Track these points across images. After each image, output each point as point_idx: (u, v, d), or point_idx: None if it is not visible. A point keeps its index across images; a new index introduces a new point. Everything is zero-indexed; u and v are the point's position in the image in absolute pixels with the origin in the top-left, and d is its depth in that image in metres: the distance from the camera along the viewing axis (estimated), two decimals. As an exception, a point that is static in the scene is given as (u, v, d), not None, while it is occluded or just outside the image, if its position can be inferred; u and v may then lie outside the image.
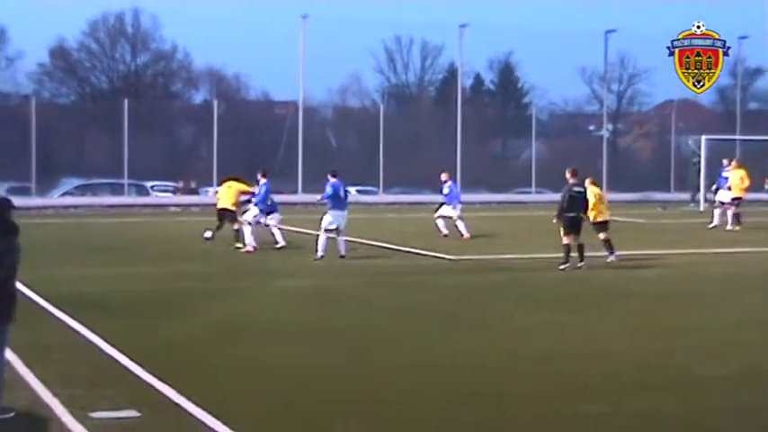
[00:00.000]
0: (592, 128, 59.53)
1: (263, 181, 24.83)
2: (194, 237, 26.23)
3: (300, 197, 41.11)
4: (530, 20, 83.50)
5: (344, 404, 10.08)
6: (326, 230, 22.42)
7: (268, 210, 24.86)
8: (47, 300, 15.81)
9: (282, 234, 24.80)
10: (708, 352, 12.74)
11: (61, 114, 55.72)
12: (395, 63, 67.20)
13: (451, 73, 60.58)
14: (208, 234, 25.77)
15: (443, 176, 28.11)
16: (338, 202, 22.67)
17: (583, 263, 20.59)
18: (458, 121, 47.83)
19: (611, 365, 11.87)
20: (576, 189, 20.92)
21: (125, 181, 43.38)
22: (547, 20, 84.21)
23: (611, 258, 21.41)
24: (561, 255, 20.64)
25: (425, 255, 23.25)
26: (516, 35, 58.14)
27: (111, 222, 33.44)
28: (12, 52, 58.57)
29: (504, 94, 68.41)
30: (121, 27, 61.40)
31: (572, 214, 20.71)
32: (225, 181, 26.47)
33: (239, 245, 24.35)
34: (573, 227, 20.70)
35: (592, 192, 21.49)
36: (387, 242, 25.44)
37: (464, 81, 55.81)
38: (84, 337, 13.21)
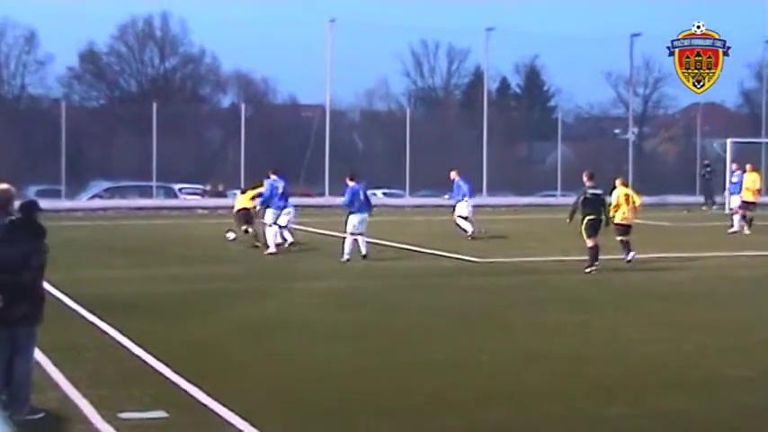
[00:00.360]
0: (617, 131, 59.20)
1: (273, 178, 24.55)
2: (221, 239, 26.39)
3: (327, 200, 41.20)
4: (555, 24, 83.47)
5: (371, 404, 10.14)
6: (352, 234, 22.53)
7: (282, 207, 24.48)
8: (76, 301, 15.93)
9: (291, 233, 24.97)
10: (734, 353, 12.72)
11: (90, 118, 56.01)
12: (421, 67, 67.15)
13: (477, 77, 60.53)
14: (231, 236, 26.05)
15: (452, 174, 28.14)
16: (360, 205, 22.77)
17: (597, 264, 20.58)
18: (484, 125, 47.76)
19: (636, 366, 11.88)
20: (592, 192, 20.87)
21: (153, 183, 43.57)
22: (572, 24, 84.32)
23: (629, 257, 21.36)
24: (586, 257, 20.66)
25: (451, 257, 23.28)
26: (542, 39, 58.24)
27: (140, 224, 33.61)
28: (42, 56, 58.83)
29: (529, 98, 68.27)
30: (150, 31, 61.60)
31: (591, 217, 20.70)
32: (245, 191, 26.74)
33: (258, 244, 24.57)
34: (593, 229, 20.71)
35: (621, 192, 21.48)
36: (412, 244, 25.49)
37: (490, 85, 55.83)
38: (112, 337, 13.32)
